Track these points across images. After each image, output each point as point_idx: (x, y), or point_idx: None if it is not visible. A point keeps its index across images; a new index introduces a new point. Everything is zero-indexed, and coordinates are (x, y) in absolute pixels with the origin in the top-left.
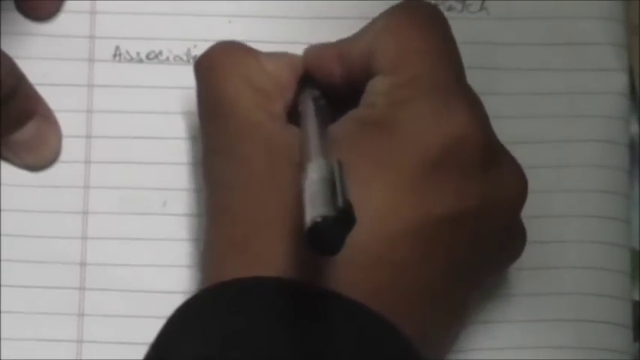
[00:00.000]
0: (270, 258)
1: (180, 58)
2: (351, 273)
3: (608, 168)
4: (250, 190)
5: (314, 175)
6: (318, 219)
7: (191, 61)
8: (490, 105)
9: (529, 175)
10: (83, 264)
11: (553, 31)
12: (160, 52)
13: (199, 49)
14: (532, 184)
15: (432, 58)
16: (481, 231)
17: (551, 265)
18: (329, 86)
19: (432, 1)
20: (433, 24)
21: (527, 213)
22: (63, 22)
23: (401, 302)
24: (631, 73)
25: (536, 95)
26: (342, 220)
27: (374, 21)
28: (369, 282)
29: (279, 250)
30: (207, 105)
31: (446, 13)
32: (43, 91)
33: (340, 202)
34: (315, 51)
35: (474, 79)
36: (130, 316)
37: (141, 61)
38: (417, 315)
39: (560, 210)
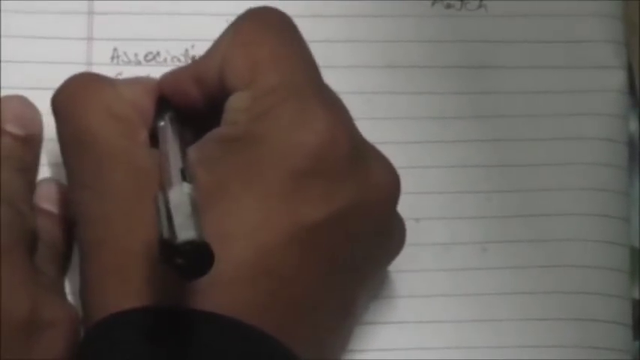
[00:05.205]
0: (147, 286)
1: (178, 59)
2: (231, 290)
3: (607, 166)
4: (121, 219)
5: (176, 199)
6: (183, 243)
7: (189, 61)
8: (488, 103)
9: (528, 173)
10: None
11: (551, 29)
12: (158, 54)
13: (197, 50)
14: (531, 183)
15: (284, 64)
16: (358, 230)
17: (550, 263)
18: (189, 109)
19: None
20: (281, 29)
21: (526, 211)
22: (60, 23)
23: (287, 313)
24: (630, 71)
25: (534, 93)
26: (201, 246)
27: (222, 35)
28: (251, 297)
29: (155, 277)
30: (70, 139)
31: (444, 11)
32: (40, 95)
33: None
34: (170, 75)
35: (472, 77)
36: None
37: (139, 62)
38: (305, 324)
39: (559, 208)
